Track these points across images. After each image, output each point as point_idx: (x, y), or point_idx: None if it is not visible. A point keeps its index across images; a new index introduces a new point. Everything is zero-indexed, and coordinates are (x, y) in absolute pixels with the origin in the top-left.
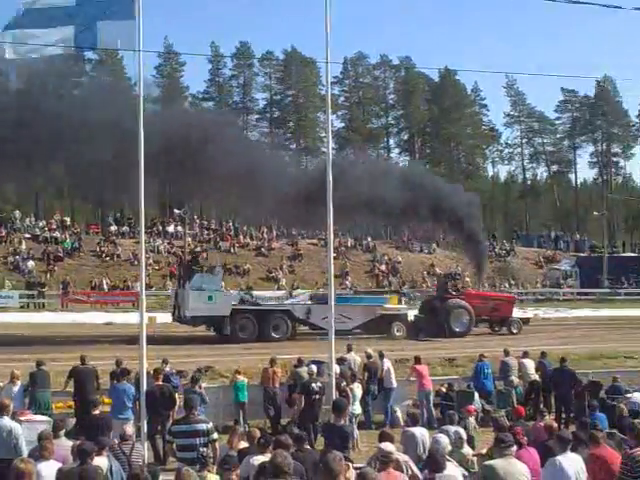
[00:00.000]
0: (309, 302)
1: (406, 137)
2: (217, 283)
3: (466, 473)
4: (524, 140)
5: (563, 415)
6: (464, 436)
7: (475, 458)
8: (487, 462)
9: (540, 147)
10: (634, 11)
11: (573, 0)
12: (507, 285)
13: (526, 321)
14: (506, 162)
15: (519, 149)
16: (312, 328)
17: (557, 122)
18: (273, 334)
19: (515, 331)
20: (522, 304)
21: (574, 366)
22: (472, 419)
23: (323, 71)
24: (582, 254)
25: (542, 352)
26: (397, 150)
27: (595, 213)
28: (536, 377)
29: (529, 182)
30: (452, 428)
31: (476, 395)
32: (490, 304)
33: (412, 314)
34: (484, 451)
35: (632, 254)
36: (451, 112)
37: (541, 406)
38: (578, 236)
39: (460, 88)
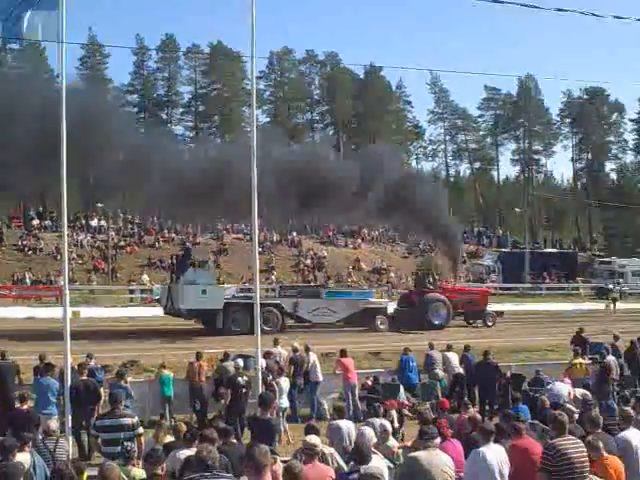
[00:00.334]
0: (297, 296)
1: (331, 132)
2: (209, 277)
3: (391, 465)
4: (447, 137)
5: (487, 407)
6: (389, 429)
7: (400, 450)
8: (411, 454)
9: (463, 144)
10: (555, 11)
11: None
12: (431, 280)
13: (500, 314)
14: (430, 158)
15: (442, 146)
16: (299, 321)
17: (480, 119)
18: (264, 327)
19: (490, 324)
20: None
21: (497, 359)
22: (394, 412)
23: (249, 65)
24: (504, 250)
25: (466, 345)
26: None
27: (517, 209)
28: (460, 370)
29: (452, 178)
30: (378, 421)
31: (401, 388)
32: (466, 298)
33: (391, 308)
34: (409, 443)
35: (553, 250)
36: (376, 108)
37: (465, 398)
38: (501, 232)
39: (385, 84)
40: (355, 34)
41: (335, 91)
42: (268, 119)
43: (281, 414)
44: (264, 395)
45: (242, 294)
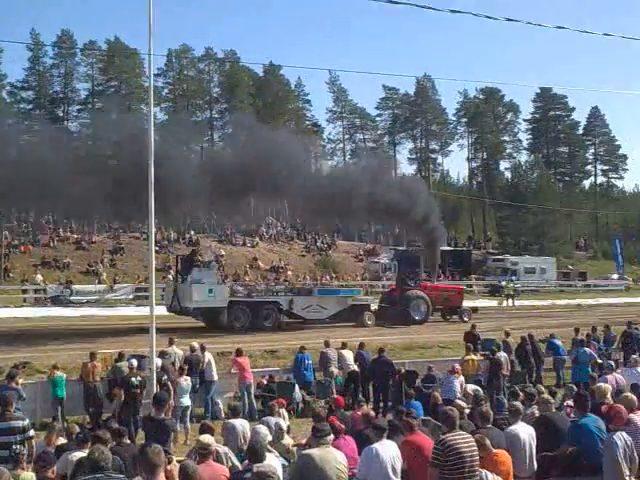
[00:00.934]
0: (290, 294)
1: (230, 131)
2: (214, 277)
3: (286, 463)
4: (346, 136)
5: (381, 404)
6: (284, 427)
7: (295, 448)
8: (304, 451)
9: (361, 143)
10: (450, 13)
11: (393, 0)
12: (328, 278)
13: (475, 310)
14: (328, 157)
15: (341, 145)
16: (294, 318)
17: (378, 119)
18: (264, 323)
19: (466, 319)
20: None
21: (392, 356)
22: (283, 410)
23: (147, 62)
24: (401, 248)
25: (361, 343)
26: (221, 145)
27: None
28: (355, 367)
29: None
30: (272, 419)
31: (296, 386)
32: (443, 295)
33: (374, 305)
34: (304, 441)
35: (448, 248)
36: (275, 107)
37: (360, 395)
38: (397, 230)
39: (284, 83)
40: (254, 33)
41: (234, 89)
42: (166, 117)
43: (180, 413)
44: (158, 395)
45: (245, 292)
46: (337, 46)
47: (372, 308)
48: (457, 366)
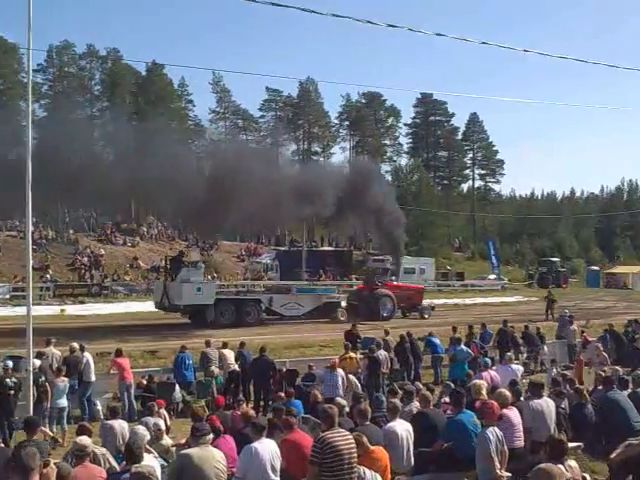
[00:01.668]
0: (270, 293)
1: (110, 129)
2: (201, 276)
3: (165, 464)
4: (229, 136)
5: (261, 403)
6: (163, 427)
7: (174, 449)
8: (183, 451)
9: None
10: (333, 17)
11: (271, 3)
12: (210, 277)
13: (433, 307)
14: (210, 158)
15: (223, 145)
16: (272, 314)
17: (261, 120)
18: (247, 319)
19: (426, 316)
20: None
21: (273, 355)
22: (164, 410)
23: (26, 58)
24: (282, 248)
25: (241, 342)
26: (102, 142)
27: None
28: (236, 367)
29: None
30: (151, 420)
31: (177, 386)
32: (406, 294)
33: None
34: (183, 441)
35: (329, 248)
36: (157, 106)
37: (240, 395)
38: (279, 231)
39: (167, 82)
40: (138, 31)
41: (115, 87)
42: (46, 114)
43: (57, 415)
44: (28, 419)
45: (231, 290)
46: (221, 47)
47: (342, 305)
48: (335, 359)
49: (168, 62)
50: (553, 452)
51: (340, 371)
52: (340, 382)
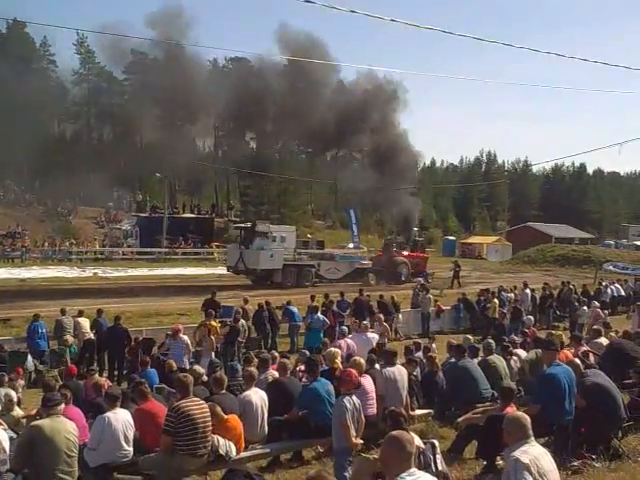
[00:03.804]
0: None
1: None
2: (270, 245)
3: (14, 436)
4: (92, 99)
5: (116, 372)
6: (15, 398)
7: (25, 420)
8: (33, 422)
9: (107, 107)
10: None
11: None
12: (68, 244)
13: (432, 274)
14: (72, 121)
15: (86, 108)
16: (318, 278)
17: (125, 83)
18: (305, 282)
19: (430, 281)
20: (82, 263)
21: (129, 324)
22: (21, 381)
23: None
24: (143, 214)
25: (98, 310)
26: None
27: (157, 174)
28: (91, 335)
29: (95, 141)
30: (2, 391)
31: (29, 356)
32: (415, 261)
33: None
34: (34, 412)
35: (191, 215)
36: (17, 67)
37: (94, 365)
38: (140, 196)
39: (29, 41)
40: None
41: None
42: None
43: None
44: None
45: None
46: (88, 6)
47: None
48: (180, 326)
49: (30, 20)
50: (393, 424)
51: (185, 337)
52: (184, 350)
